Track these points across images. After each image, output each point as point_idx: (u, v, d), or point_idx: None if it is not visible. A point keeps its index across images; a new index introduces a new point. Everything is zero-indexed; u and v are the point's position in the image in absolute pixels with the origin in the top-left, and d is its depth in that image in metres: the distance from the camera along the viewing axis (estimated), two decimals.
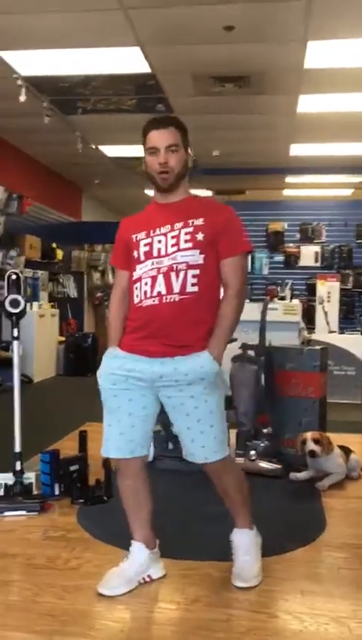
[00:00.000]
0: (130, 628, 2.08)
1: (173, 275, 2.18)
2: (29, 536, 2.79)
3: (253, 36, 4.63)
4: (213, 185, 9.82)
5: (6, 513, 3.02)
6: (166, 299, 2.18)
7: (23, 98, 5.42)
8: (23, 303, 3.28)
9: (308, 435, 3.50)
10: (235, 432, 4.01)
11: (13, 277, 3.27)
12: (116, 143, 7.83)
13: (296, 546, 2.70)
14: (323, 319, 6.89)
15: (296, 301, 6.56)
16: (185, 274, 2.18)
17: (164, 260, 2.20)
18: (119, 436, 2.29)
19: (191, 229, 2.21)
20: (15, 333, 3.26)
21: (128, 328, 2.30)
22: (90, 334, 8.97)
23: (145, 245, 2.25)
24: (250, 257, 8.81)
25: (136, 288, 2.25)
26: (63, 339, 8.59)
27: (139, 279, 2.24)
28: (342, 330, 7.09)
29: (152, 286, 2.20)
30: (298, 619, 2.12)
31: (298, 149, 7.73)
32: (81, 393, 7.01)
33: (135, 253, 2.27)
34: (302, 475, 3.56)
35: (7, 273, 3.30)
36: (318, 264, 8.38)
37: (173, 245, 2.21)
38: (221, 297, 2.28)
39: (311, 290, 7.83)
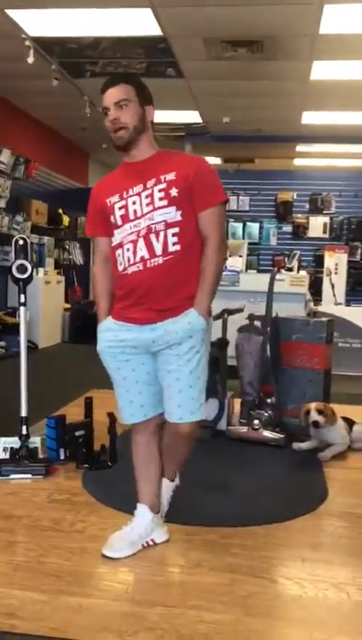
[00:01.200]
0: (133, 590, 2.12)
1: (152, 236, 2.13)
2: (35, 499, 2.84)
3: None
4: (222, 152, 9.70)
5: (12, 476, 3.06)
6: (150, 263, 2.14)
7: (31, 60, 5.33)
8: (30, 268, 3.27)
9: (312, 405, 3.52)
10: (240, 401, 4.04)
11: (21, 242, 3.26)
12: None
13: (297, 514, 2.73)
14: (330, 291, 6.87)
15: (303, 272, 6.52)
16: (165, 234, 2.13)
17: (141, 221, 2.15)
18: (130, 404, 2.32)
19: (164, 186, 2.15)
20: (22, 299, 3.26)
21: (116, 296, 2.30)
22: (95, 302, 8.97)
23: (121, 208, 2.19)
24: (257, 226, 8.77)
25: (119, 255, 2.21)
26: (69, 306, 8.60)
27: (120, 245, 2.20)
28: (348, 303, 7.07)
29: (134, 251, 2.16)
30: (298, 584, 2.16)
31: (310, 117, 7.59)
32: (86, 360, 7.04)
33: (112, 218, 2.22)
34: (304, 445, 3.59)
35: (15, 238, 3.29)
36: (327, 235, 8.32)
37: (148, 204, 2.15)
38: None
39: (319, 261, 7.79)
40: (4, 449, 3.22)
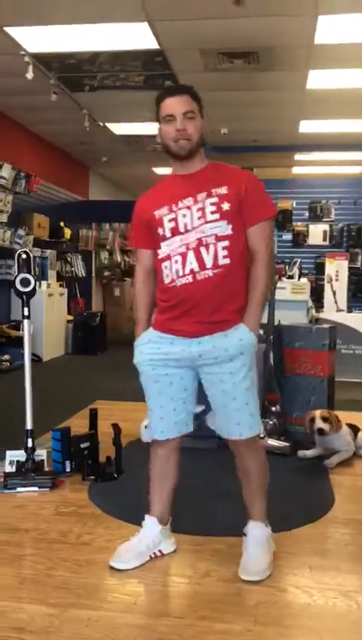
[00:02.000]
0: (142, 601, 2.12)
1: (203, 249, 2.13)
2: (42, 512, 2.84)
3: (262, 10, 4.56)
4: (222, 162, 9.74)
5: (19, 489, 3.07)
6: (199, 275, 2.14)
7: (30, 75, 5.38)
8: (33, 281, 3.29)
9: (317, 413, 3.52)
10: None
11: (24, 256, 3.28)
12: (124, 121, 7.77)
13: (304, 522, 2.73)
14: (332, 298, 6.88)
15: (304, 280, 6.55)
16: (215, 247, 2.13)
17: (191, 234, 2.15)
18: (161, 420, 2.31)
19: (215, 199, 2.15)
20: (26, 312, 3.28)
21: (159, 308, 2.28)
22: (98, 313, 9.00)
23: (170, 221, 2.18)
24: None
25: (166, 267, 2.20)
26: (72, 318, 8.63)
27: (168, 257, 2.19)
28: (350, 309, 7.08)
29: (183, 263, 2.15)
30: (307, 593, 2.15)
31: (307, 126, 7.64)
32: (90, 371, 7.08)
33: (160, 231, 2.20)
34: (310, 453, 3.59)
35: (18, 252, 3.31)
36: (327, 242, 8.34)
37: (199, 218, 2.15)
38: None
39: (320, 269, 7.81)
40: (11, 462, 3.23)
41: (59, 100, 6.18)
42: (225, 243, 2.14)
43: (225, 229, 2.15)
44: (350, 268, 7.41)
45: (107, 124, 7.88)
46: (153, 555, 2.37)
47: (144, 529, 2.39)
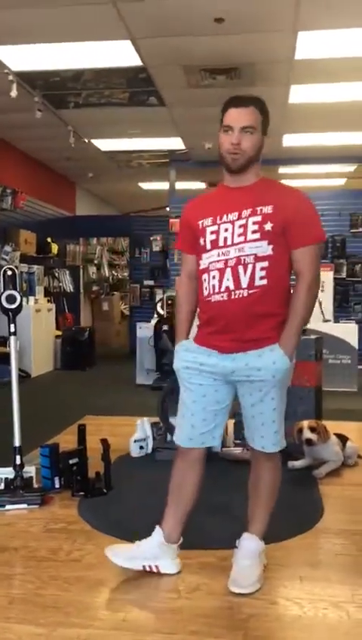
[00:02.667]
0: (132, 618, 2.11)
1: (240, 268, 2.11)
2: (31, 529, 2.83)
3: (243, 28, 4.63)
4: (206, 177, 9.83)
5: (7, 507, 3.05)
6: (234, 294, 2.13)
7: (14, 93, 5.41)
8: (19, 298, 3.30)
9: (305, 423, 3.54)
10: (233, 423, 4.05)
11: (9, 273, 3.29)
12: (109, 137, 7.83)
13: (294, 533, 2.74)
14: (318, 308, 6.92)
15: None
16: (254, 267, 2.11)
17: (230, 250, 2.13)
18: (191, 429, 2.29)
19: (259, 218, 2.12)
20: (12, 329, 3.28)
21: (200, 321, 2.29)
22: (86, 328, 8.99)
23: (212, 233, 2.17)
24: None
25: (205, 280, 2.20)
26: (60, 333, 8.61)
27: (207, 270, 2.19)
28: (336, 319, 7.12)
29: (220, 280, 2.15)
30: (297, 604, 2.16)
31: (290, 140, 7.73)
32: (79, 387, 7.05)
33: (201, 241, 2.21)
34: (299, 464, 3.60)
35: (3, 269, 3.31)
36: None
37: (239, 235, 2.13)
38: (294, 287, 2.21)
39: None
40: None
41: (44, 117, 6.22)
42: (264, 264, 2.12)
43: (265, 249, 2.12)
44: (335, 278, 7.47)
45: (92, 141, 7.92)
46: (148, 568, 2.32)
47: (149, 537, 2.36)
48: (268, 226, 2.11)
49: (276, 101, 6.27)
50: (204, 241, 2.20)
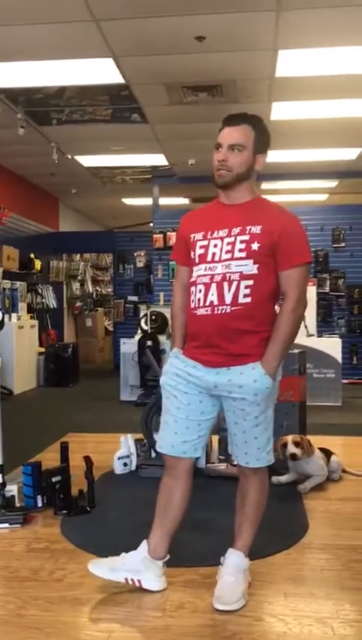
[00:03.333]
0: (115, 637, 2.08)
1: (225, 284, 2.15)
2: (13, 549, 2.78)
3: (224, 46, 4.69)
4: (189, 193, 9.89)
5: None
6: (217, 310, 2.16)
7: None
8: (1, 315, 3.28)
9: (289, 438, 3.54)
10: (217, 438, 4.04)
11: None
12: (92, 153, 7.85)
13: (278, 548, 2.72)
14: (302, 323, 6.95)
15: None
16: (238, 284, 2.14)
17: (217, 266, 2.17)
18: (174, 435, 2.29)
19: (247, 237, 2.15)
20: None
21: (187, 333, 2.31)
22: (70, 344, 8.94)
23: (201, 248, 2.22)
24: None
25: (192, 293, 2.24)
26: (43, 350, 8.55)
27: (194, 283, 2.23)
28: (320, 334, 7.16)
29: (205, 294, 2.18)
30: (282, 621, 2.14)
31: (272, 156, 7.71)
32: (63, 404, 7.00)
33: (192, 254, 2.26)
34: (283, 479, 3.59)
35: None
36: None
37: (227, 252, 2.16)
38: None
39: None
40: None
41: (27, 134, 6.22)
42: (249, 282, 2.15)
43: (250, 268, 2.15)
44: (318, 293, 7.54)
45: (76, 157, 7.94)
46: (131, 581, 2.29)
47: (136, 550, 2.34)
48: (255, 246, 2.14)
49: None
50: (194, 254, 2.25)
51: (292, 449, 3.47)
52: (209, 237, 2.21)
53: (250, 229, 2.17)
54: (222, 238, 2.18)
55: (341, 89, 5.51)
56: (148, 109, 6.16)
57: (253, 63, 5.01)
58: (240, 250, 2.15)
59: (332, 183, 9.34)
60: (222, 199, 2.28)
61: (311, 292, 7.11)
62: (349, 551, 2.72)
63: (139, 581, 2.30)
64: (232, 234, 2.17)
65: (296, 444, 3.49)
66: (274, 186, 9.44)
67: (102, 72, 5.14)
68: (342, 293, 8.39)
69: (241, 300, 2.15)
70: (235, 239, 2.16)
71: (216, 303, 2.16)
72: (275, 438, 3.67)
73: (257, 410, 2.21)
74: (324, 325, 7.95)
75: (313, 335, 6.87)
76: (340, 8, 4.06)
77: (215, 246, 2.19)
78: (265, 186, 9.37)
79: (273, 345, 2.19)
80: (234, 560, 2.32)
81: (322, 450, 3.69)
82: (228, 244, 2.17)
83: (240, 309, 2.15)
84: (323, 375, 6.53)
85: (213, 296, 2.17)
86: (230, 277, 2.15)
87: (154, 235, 8.71)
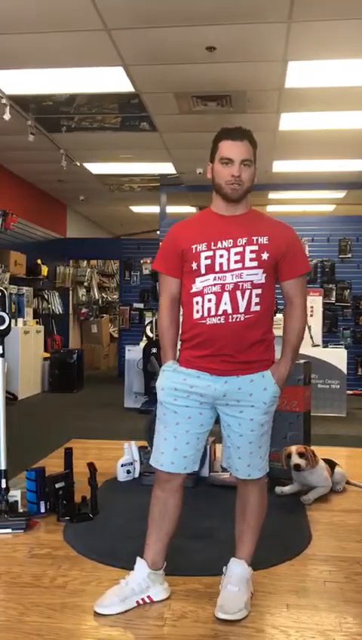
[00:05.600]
0: None
1: (238, 293, 2.18)
2: (15, 555, 2.78)
3: (234, 57, 4.72)
4: (197, 202, 9.91)
5: None
6: (232, 318, 2.18)
7: (7, 116, 5.47)
8: (8, 320, 3.28)
9: (293, 448, 3.53)
10: (221, 447, 4.03)
11: None
12: (100, 161, 7.90)
13: (281, 559, 2.71)
14: (307, 333, 6.95)
15: (279, 315, 6.60)
16: (250, 293, 2.19)
17: (227, 275, 2.19)
18: (173, 452, 2.27)
19: (256, 248, 2.20)
20: (0, 350, 3.26)
21: (186, 344, 2.28)
22: (75, 350, 8.96)
23: (207, 258, 2.21)
24: None
25: (197, 303, 2.22)
26: (48, 355, 8.57)
27: (201, 294, 2.21)
28: (326, 344, 7.15)
29: (217, 304, 2.18)
30: (284, 633, 2.13)
31: (280, 166, 7.84)
32: (67, 410, 7.00)
33: (194, 265, 2.23)
34: (287, 489, 3.58)
35: None
36: None
37: (236, 262, 2.19)
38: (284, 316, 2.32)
39: None
40: None
41: (36, 140, 6.27)
42: (259, 291, 2.20)
43: (260, 277, 2.20)
44: (324, 303, 7.52)
45: (84, 164, 7.99)
46: (141, 602, 2.28)
47: (133, 572, 2.32)
48: (265, 256, 2.19)
49: (266, 128, 6.38)
50: (198, 265, 2.22)
51: (296, 460, 3.46)
52: (213, 247, 2.21)
53: (258, 239, 2.20)
54: (228, 249, 2.20)
55: (349, 101, 5.54)
56: (157, 118, 6.19)
57: (262, 73, 5.04)
58: (251, 260, 2.19)
59: (339, 194, 9.36)
60: (219, 210, 2.28)
61: (317, 302, 7.12)
62: (352, 563, 2.71)
63: (149, 597, 2.31)
64: (238, 244, 2.20)
65: (300, 454, 3.48)
66: (281, 196, 9.48)
67: (112, 80, 5.19)
68: (348, 304, 8.38)
69: (253, 308, 2.19)
70: (244, 249, 2.19)
71: (230, 311, 2.17)
72: (279, 448, 3.69)
73: (264, 419, 2.24)
74: (330, 336, 7.94)
75: (318, 345, 6.87)
76: (350, 21, 4.09)
77: (221, 256, 2.20)
78: (272, 195, 9.41)
79: (285, 354, 2.25)
80: (237, 569, 2.31)
81: (326, 461, 3.68)
82: (236, 254, 2.19)
83: (252, 317, 2.19)
84: (328, 386, 6.52)
85: (226, 305, 2.17)
86: (242, 286, 2.18)
87: (161, 243, 8.73)
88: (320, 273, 8.43)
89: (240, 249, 2.19)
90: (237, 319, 2.17)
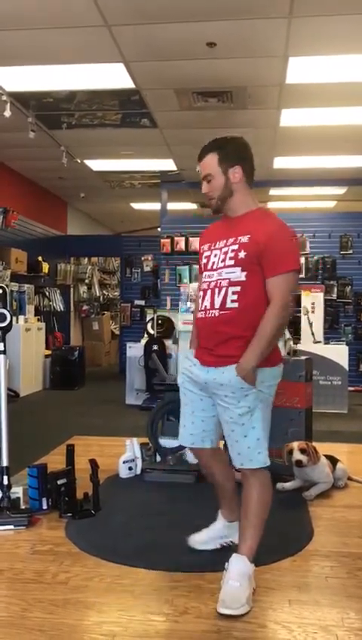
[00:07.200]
0: None
1: (216, 290, 2.32)
2: (17, 551, 2.78)
3: (235, 52, 4.71)
4: (197, 198, 9.89)
5: None
6: (209, 313, 2.35)
7: (7, 113, 5.45)
8: (9, 317, 3.28)
9: (295, 444, 3.53)
10: (223, 444, 4.03)
11: None
12: (101, 157, 7.89)
13: (283, 555, 2.71)
14: (309, 330, 6.95)
15: None
16: (226, 290, 2.29)
17: (213, 274, 2.36)
18: (183, 428, 2.54)
19: (236, 247, 2.30)
20: (1, 347, 3.26)
21: None
22: (76, 347, 8.96)
23: (205, 257, 2.43)
24: None
25: (199, 297, 2.46)
26: (50, 352, 8.57)
27: (201, 289, 2.44)
28: (327, 341, 7.14)
29: (203, 299, 2.39)
30: (286, 628, 2.13)
31: (281, 162, 7.82)
32: (68, 407, 7.00)
33: (201, 264, 2.48)
34: (289, 485, 3.58)
35: None
36: (303, 275, 8.45)
37: (221, 261, 2.34)
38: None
39: (296, 301, 7.90)
40: None
41: (37, 137, 6.26)
42: (236, 288, 2.29)
43: (238, 275, 2.28)
44: (326, 300, 7.51)
45: (85, 161, 7.98)
46: (224, 544, 2.64)
47: (216, 521, 2.69)
48: (242, 254, 2.28)
49: (267, 124, 6.36)
50: (200, 264, 2.49)
51: (298, 456, 3.46)
52: (212, 248, 2.41)
53: (240, 238, 2.30)
54: (220, 249, 2.36)
55: (350, 96, 5.52)
56: (157, 114, 6.18)
57: (263, 69, 5.02)
58: (230, 259, 2.30)
59: (340, 190, 9.34)
60: (227, 213, 2.45)
61: (319, 299, 7.12)
62: (354, 559, 2.71)
63: (231, 541, 2.60)
64: (228, 244, 2.33)
65: (302, 450, 3.48)
66: (283, 193, 9.46)
67: (112, 76, 5.18)
68: (349, 301, 8.36)
69: (229, 305, 2.30)
70: (228, 249, 2.32)
71: (208, 307, 2.35)
72: (280, 444, 3.70)
73: (239, 409, 2.29)
74: (331, 332, 7.93)
75: (320, 342, 6.87)
76: (351, 16, 4.08)
77: (215, 256, 2.38)
78: (273, 192, 9.40)
79: (252, 345, 2.27)
80: (239, 565, 2.32)
81: (328, 457, 3.68)
82: (223, 253, 2.34)
83: (227, 314, 2.30)
84: (330, 382, 6.52)
85: (207, 302, 2.36)
86: (220, 283, 2.32)
87: (162, 240, 8.72)
88: (322, 270, 8.41)
89: (226, 248, 2.33)
90: (213, 315, 2.33)
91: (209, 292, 2.35)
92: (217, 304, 2.31)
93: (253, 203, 2.40)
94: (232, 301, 2.28)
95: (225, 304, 2.29)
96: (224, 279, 2.30)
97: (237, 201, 2.37)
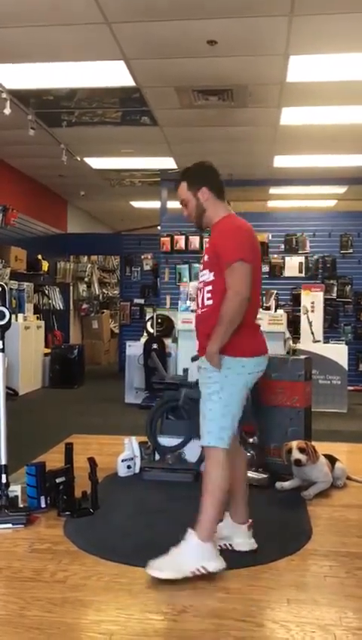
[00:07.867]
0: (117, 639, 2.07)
1: (199, 291, 2.65)
2: (15, 549, 2.78)
3: (235, 51, 4.70)
4: None
5: None
6: (196, 311, 2.69)
7: (7, 111, 5.44)
8: (8, 315, 3.28)
9: (294, 444, 3.52)
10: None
11: None
12: (101, 155, 7.88)
13: (282, 555, 2.71)
14: (308, 329, 6.94)
15: (280, 311, 6.61)
16: (203, 290, 2.61)
17: (200, 277, 2.68)
18: None
19: (205, 252, 2.66)
20: (0, 346, 3.25)
21: None
22: (75, 346, 8.96)
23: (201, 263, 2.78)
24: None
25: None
26: (49, 351, 8.56)
27: None
28: (326, 340, 7.14)
29: (196, 299, 2.78)
30: (284, 627, 2.13)
31: (281, 161, 7.81)
32: (68, 405, 7.00)
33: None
34: (288, 484, 3.58)
35: None
36: (303, 274, 8.45)
37: (201, 265, 2.69)
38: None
39: (296, 300, 7.90)
40: None
41: (37, 135, 6.25)
42: (209, 287, 2.59)
43: (208, 276, 2.60)
44: (325, 299, 7.51)
45: (85, 159, 7.97)
46: (223, 545, 2.62)
47: (222, 522, 2.68)
48: (207, 257, 2.63)
49: (267, 122, 6.36)
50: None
51: (296, 455, 3.46)
52: (204, 253, 2.72)
53: (207, 244, 2.70)
54: (203, 255, 2.72)
55: (351, 95, 5.51)
56: (158, 112, 6.17)
57: (264, 67, 5.01)
58: (203, 263, 2.66)
59: (341, 189, 9.33)
60: (208, 226, 2.73)
61: (318, 298, 7.11)
62: (353, 558, 2.71)
63: (230, 545, 2.66)
64: (204, 251, 2.70)
65: (301, 450, 3.48)
66: (283, 191, 9.45)
67: (113, 74, 5.17)
68: (349, 300, 8.36)
69: (206, 302, 2.59)
70: (204, 254, 2.68)
71: (197, 306, 2.67)
72: (279, 443, 3.69)
73: (207, 390, 2.54)
74: (331, 331, 7.93)
75: (319, 341, 6.86)
76: (352, 15, 4.07)
77: (201, 262, 2.73)
78: (272, 190, 9.40)
79: (213, 332, 2.49)
80: (186, 536, 2.46)
81: (327, 456, 3.68)
82: (202, 258, 2.71)
83: (206, 310, 2.58)
84: (329, 381, 6.52)
85: (197, 302, 2.68)
86: (201, 285, 2.64)
87: (162, 239, 8.72)
88: (322, 269, 8.41)
89: (204, 255, 2.69)
90: (198, 312, 2.65)
91: (198, 293, 2.67)
92: (200, 303, 2.63)
93: (223, 212, 2.66)
94: (208, 299, 2.57)
95: (204, 302, 2.59)
96: (202, 281, 2.63)
97: (210, 215, 2.66)
